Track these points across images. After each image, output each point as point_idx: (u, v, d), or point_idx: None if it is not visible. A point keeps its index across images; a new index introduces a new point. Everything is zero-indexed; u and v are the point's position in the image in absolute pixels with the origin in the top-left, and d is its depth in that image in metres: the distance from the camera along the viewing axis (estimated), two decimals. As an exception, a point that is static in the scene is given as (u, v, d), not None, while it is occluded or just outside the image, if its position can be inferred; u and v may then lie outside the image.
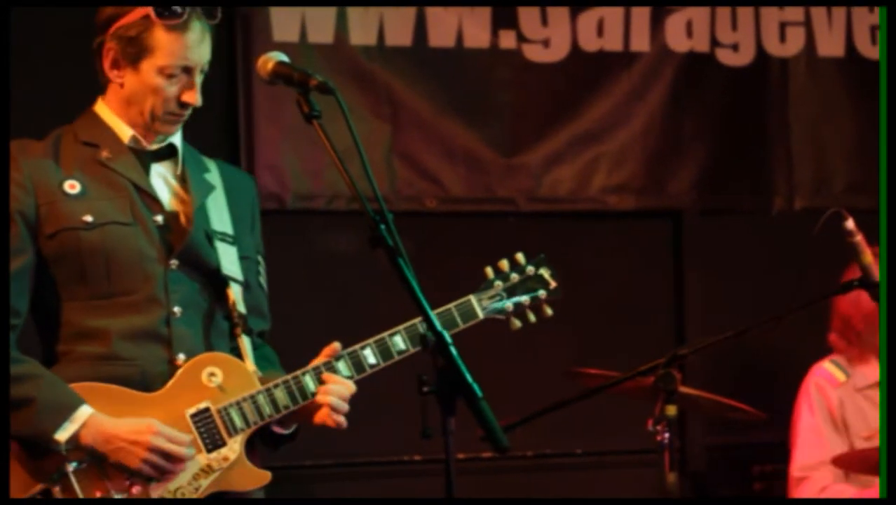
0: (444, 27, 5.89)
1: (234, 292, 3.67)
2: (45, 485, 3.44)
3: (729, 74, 6.19)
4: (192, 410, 3.54)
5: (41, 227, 3.55)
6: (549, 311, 3.86)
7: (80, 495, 3.43)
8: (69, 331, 3.56)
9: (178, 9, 3.54)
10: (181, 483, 3.50)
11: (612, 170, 6.11)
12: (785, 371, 5.73)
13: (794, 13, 6.25)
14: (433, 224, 5.87)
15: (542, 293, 3.86)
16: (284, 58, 3.42)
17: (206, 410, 3.55)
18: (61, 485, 3.43)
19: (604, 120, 6.10)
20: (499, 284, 3.82)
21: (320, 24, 5.73)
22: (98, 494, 3.45)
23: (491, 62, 5.96)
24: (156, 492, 3.48)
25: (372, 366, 3.66)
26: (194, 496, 3.52)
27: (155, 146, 3.67)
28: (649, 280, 6.21)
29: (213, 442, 3.54)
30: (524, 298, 3.85)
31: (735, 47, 6.21)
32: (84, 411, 3.44)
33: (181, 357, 3.56)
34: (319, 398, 3.60)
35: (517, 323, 3.83)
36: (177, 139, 3.71)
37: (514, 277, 3.85)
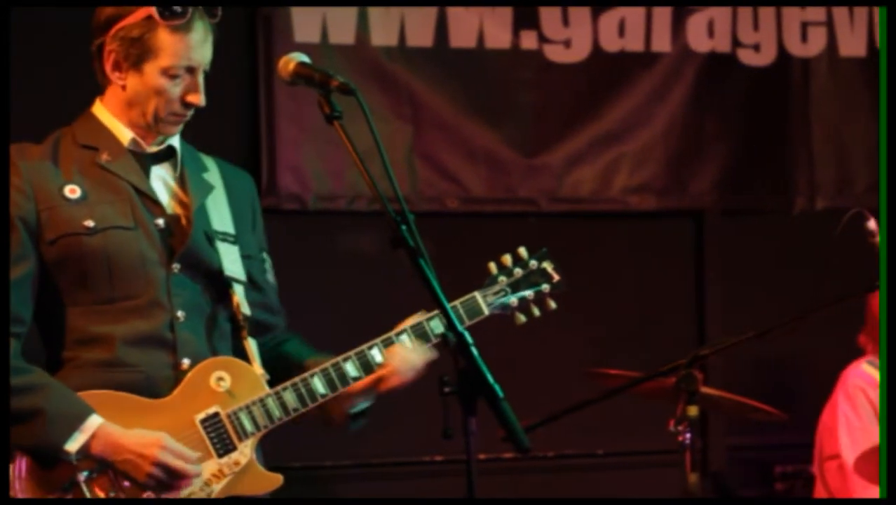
0: (465, 27, 5.89)
1: (238, 293, 3.63)
2: (57, 495, 3.39)
3: (750, 74, 6.19)
4: (202, 416, 3.50)
5: (42, 233, 3.48)
6: (552, 304, 3.84)
7: None
8: (73, 337, 3.50)
9: (181, 9, 3.48)
10: (193, 489, 3.47)
11: (634, 170, 6.10)
12: (807, 371, 5.72)
13: (816, 13, 6.24)
14: (454, 225, 5.87)
15: (545, 287, 3.82)
16: (305, 59, 3.39)
17: (216, 414, 3.51)
18: (73, 494, 3.39)
19: (625, 120, 6.10)
20: (503, 279, 3.78)
21: (341, 25, 5.74)
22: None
23: (512, 63, 5.96)
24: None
25: (378, 365, 3.63)
26: (206, 502, 3.51)
27: (154, 148, 3.61)
28: (671, 280, 6.21)
29: (224, 447, 3.51)
30: (528, 293, 3.80)
31: (756, 47, 6.20)
32: (93, 421, 3.39)
33: (186, 362, 3.51)
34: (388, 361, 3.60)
35: (521, 318, 3.80)
36: (175, 141, 3.65)
37: (518, 271, 3.81)
